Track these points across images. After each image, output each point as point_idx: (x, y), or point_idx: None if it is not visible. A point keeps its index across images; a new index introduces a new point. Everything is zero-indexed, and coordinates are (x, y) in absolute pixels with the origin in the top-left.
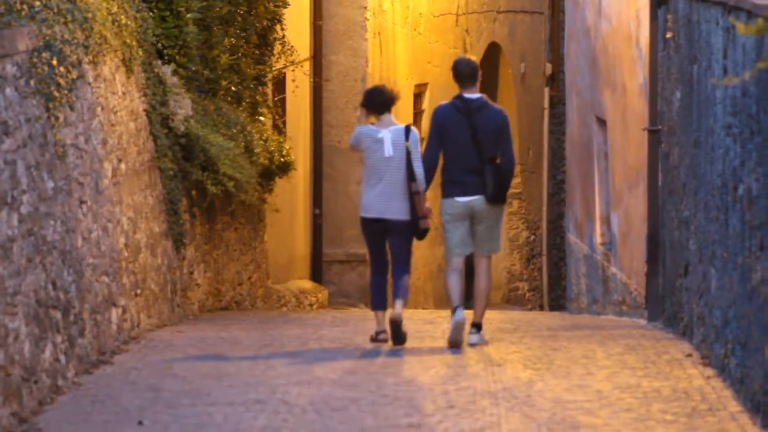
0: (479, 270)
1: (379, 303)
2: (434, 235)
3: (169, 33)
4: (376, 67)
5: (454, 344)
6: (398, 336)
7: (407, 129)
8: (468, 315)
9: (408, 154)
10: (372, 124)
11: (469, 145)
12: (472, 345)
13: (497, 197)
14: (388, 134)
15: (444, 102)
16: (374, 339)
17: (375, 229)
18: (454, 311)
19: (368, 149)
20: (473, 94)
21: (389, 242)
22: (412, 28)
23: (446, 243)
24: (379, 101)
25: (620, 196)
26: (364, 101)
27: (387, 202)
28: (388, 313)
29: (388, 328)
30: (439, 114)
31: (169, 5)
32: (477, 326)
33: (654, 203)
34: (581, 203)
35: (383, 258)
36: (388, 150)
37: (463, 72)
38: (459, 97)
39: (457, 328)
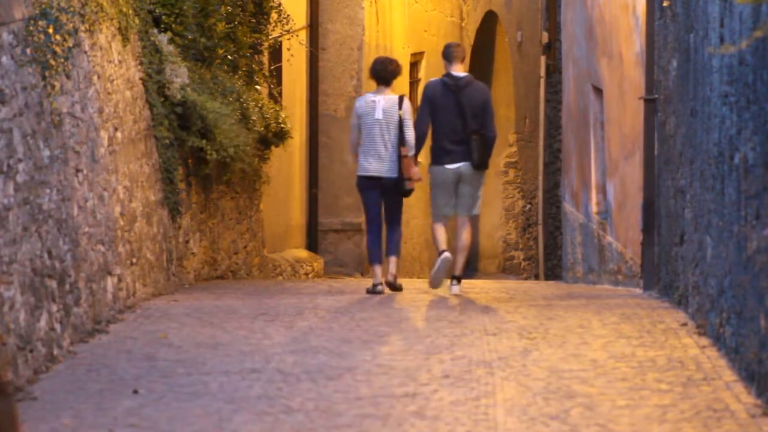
0: (460, 229)
1: (375, 258)
2: (429, 205)
3: (166, 1)
4: (373, 36)
5: (435, 285)
6: (394, 290)
7: (400, 98)
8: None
9: (400, 121)
10: (370, 93)
11: (456, 118)
12: (454, 295)
13: (481, 164)
14: (381, 100)
15: (434, 79)
16: (371, 291)
17: (370, 186)
18: (440, 254)
19: (363, 114)
20: (460, 73)
21: (383, 198)
22: None
23: (433, 204)
24: (380, 72)
25: (616, 165)
26: (370, 67)
27: (379, 162)
28: (385, 266)
29: (383, 280)
30: (429, 89)
31: None
32: (458, 278)
33: (650, 172)
34: (577, 172)
35: (378, 214)
36: (378, 113)
37: (452, 53)
38: (448, 75)
39: (442, 267)
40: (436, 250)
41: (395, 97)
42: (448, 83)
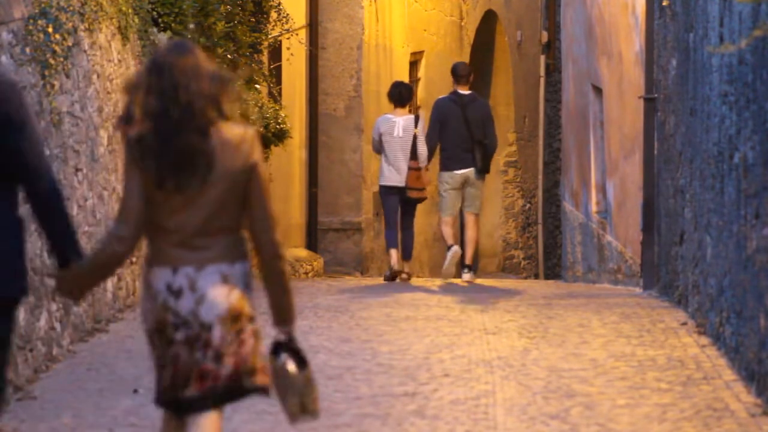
0: (468, 223)
1: (391, 243)
2: (429, 205)
3: (165, 0)
4: (373, 35)
5: (447, 276)
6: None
7: (416, 118)
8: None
9: (415, 137)
10: (389, 113)
11: (462, 130)
12: (466, 280)
13: (483, 169)
14: (401, 120)
15: (443, 96)
16: (387, 278)
17: (390, 194)
18: (449, 248)
19: (385, 132)
20: (465, 91)
21: (401, 204)
22: None
23: (442, 204)
24: (396, 96)
25: (616, 165)
26: (388, 92)
27: (399, 174)
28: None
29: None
30: (439, 106)
31: None
32: (469, 267)
33: (649, 171)
34: (577, 171)
35: (395, 217)
36: (398, 131)
37: (460, 73)
38: (455, 93)
39: (453, 260)
40: (444, 244)
41: (412, 117)
42: (455, 100)
